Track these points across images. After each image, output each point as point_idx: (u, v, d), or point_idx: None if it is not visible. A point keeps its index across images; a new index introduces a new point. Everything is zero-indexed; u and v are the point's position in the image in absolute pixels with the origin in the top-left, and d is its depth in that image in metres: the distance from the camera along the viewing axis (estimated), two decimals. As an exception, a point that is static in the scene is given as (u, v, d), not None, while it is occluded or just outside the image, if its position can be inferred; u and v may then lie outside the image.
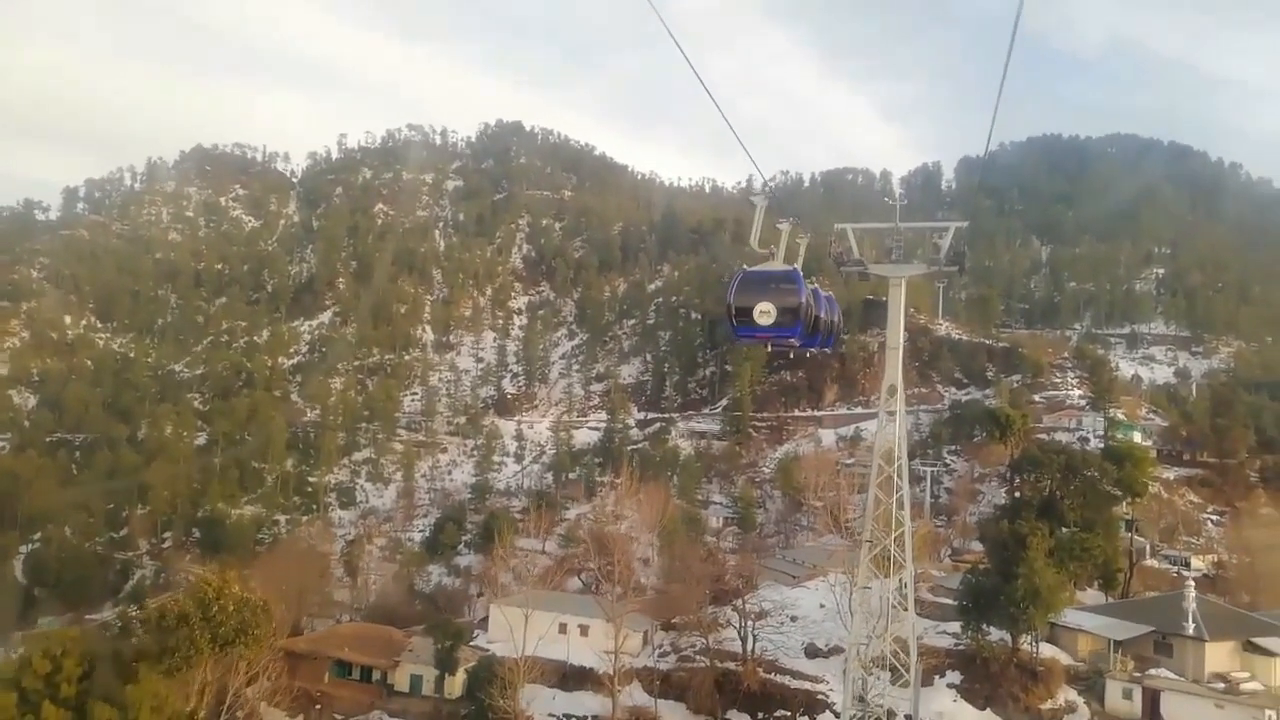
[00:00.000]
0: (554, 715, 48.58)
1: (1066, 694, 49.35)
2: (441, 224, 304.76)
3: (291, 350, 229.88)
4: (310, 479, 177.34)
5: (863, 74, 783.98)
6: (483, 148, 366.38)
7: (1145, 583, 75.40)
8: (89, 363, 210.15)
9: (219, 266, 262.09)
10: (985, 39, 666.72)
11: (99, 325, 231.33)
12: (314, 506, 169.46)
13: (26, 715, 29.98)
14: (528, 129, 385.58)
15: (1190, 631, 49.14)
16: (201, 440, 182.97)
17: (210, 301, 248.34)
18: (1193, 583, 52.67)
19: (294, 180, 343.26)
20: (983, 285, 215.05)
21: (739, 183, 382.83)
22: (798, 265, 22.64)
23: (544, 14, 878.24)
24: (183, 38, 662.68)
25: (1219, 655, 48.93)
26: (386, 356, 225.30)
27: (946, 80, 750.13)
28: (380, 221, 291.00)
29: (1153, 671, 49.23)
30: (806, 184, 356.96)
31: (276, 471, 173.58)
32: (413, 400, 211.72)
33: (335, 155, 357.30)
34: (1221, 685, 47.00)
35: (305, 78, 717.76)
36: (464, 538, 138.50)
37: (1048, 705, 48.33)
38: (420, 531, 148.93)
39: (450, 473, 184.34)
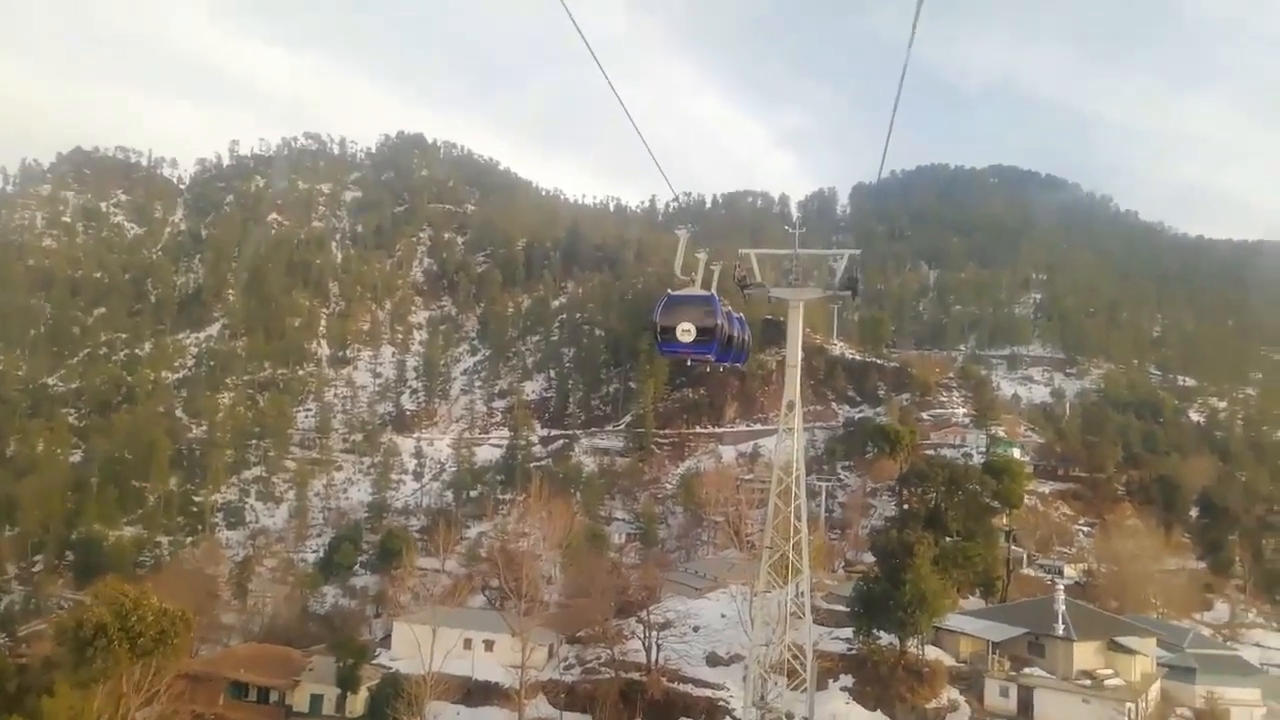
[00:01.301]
0: (458, 733, 48.37)
1: (950, 693, 52.48)
2: (339, 235, 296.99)
3: (176, 364, 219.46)
4: (196, 498, 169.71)
5: (762, 102, 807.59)
6: (383, 159, 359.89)
7: (1022, 590, 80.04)
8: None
9: (98, 275, 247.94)
10: (878, 72, 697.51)
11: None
12: (199, 527, 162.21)
13: None
14: (430, 141, 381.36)
15: (1060, 632, 52.97)
16: (77, 458, 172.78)
17: (88, 312, 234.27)
18: (1062, 587, 56.66)
19: (181, 187, 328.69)
20: (874, 307, 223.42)
21: (642, 202, 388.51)
22: (714, 290, 25.50)
23: (449, 31, 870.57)
24: (61, 37, 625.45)
25: (1086, 654, 52.88)
26: (279, 371, 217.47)
27: (841, 110, 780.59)
28: (274, 231, 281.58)
29: (1027, 670, 52.82)
30: (709, 205, 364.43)
31: (159, 490, 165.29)
32: (307, 416, 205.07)
33: (227, 162, 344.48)
34: (1088, 682, 50.81)
35: (195, 84, 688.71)
36: (360, 558, 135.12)
37: (933, 704, 51.30)
38: (314, 552, 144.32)
39: (346, 491, 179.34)
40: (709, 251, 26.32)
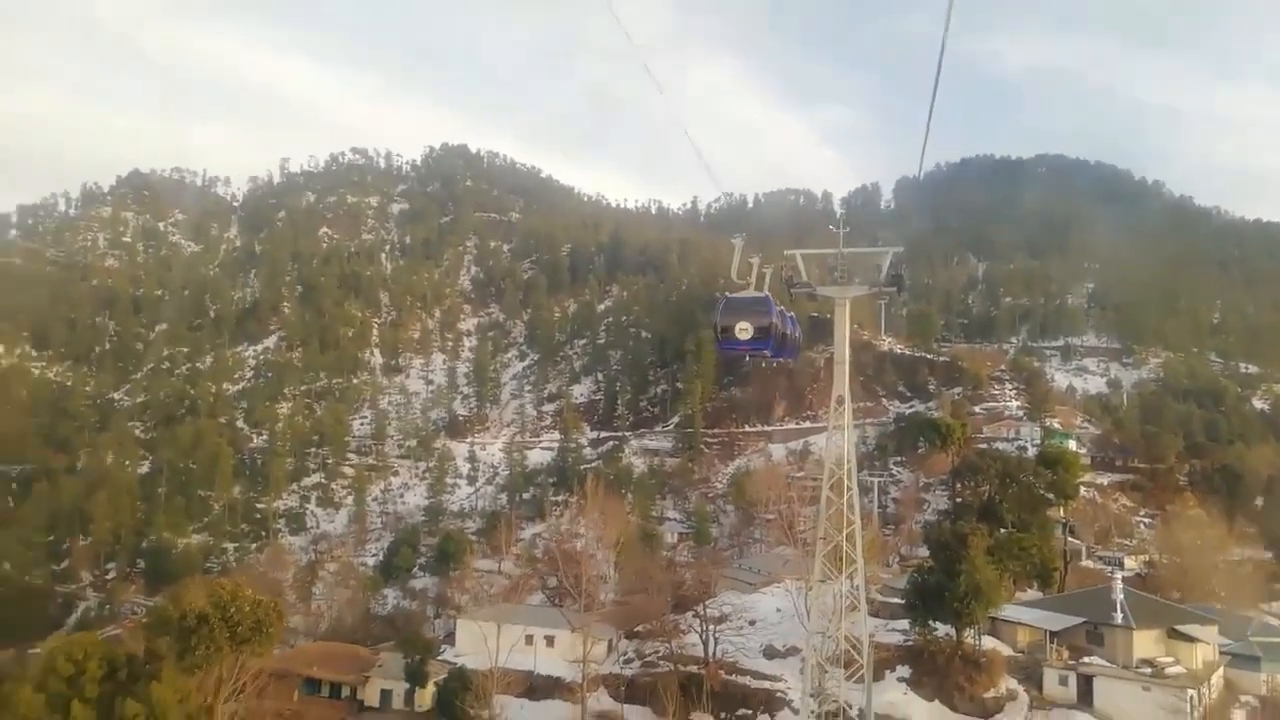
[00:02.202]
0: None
1: (1008, 683, 52.54)
2: (388, 247, 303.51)
3: (236, 376, 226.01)
4: (259, 505, 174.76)
5: (803, 99, 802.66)
6: (428, 171, 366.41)
7: (1081, 582, 78.92)
8: (24, 393, 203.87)
9: (158, 292, 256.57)
10: (919, 65, 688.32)
11: (34, 354, 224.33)
12: (263, 533, 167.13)
13: (54, 715, 31.54)
14: (474, 152, 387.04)
15: (1119, 621, 52.69)
16: (145, 469, 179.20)
17: (150, 328, 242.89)
18: (1119, 576, 56.29)
19: (235, 205, 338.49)
20: (922, 302, 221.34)
21: (684, 204, 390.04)
22: (767, 291, 28.22)
23: (488, 43, 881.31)
24: (119, 65, 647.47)
25: (1146, 642, 52.51)
26: (334, 380, 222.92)
27: (882, 105, 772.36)
28: (325, 245, 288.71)
29: (1086, 659, 52.62)
30: (750, 204, 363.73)
31: (223, 499, 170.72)
32: (362, 424, 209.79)
33: (277, 179, 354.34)
34: (1148, 670, 50.53)
35: (245, 104, 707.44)
36: (419, 560, 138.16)
37: (991, 694, 51.42)
38: (373, 556, 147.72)
39: (402, 496, 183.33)
40: (760, 255, 28.81)
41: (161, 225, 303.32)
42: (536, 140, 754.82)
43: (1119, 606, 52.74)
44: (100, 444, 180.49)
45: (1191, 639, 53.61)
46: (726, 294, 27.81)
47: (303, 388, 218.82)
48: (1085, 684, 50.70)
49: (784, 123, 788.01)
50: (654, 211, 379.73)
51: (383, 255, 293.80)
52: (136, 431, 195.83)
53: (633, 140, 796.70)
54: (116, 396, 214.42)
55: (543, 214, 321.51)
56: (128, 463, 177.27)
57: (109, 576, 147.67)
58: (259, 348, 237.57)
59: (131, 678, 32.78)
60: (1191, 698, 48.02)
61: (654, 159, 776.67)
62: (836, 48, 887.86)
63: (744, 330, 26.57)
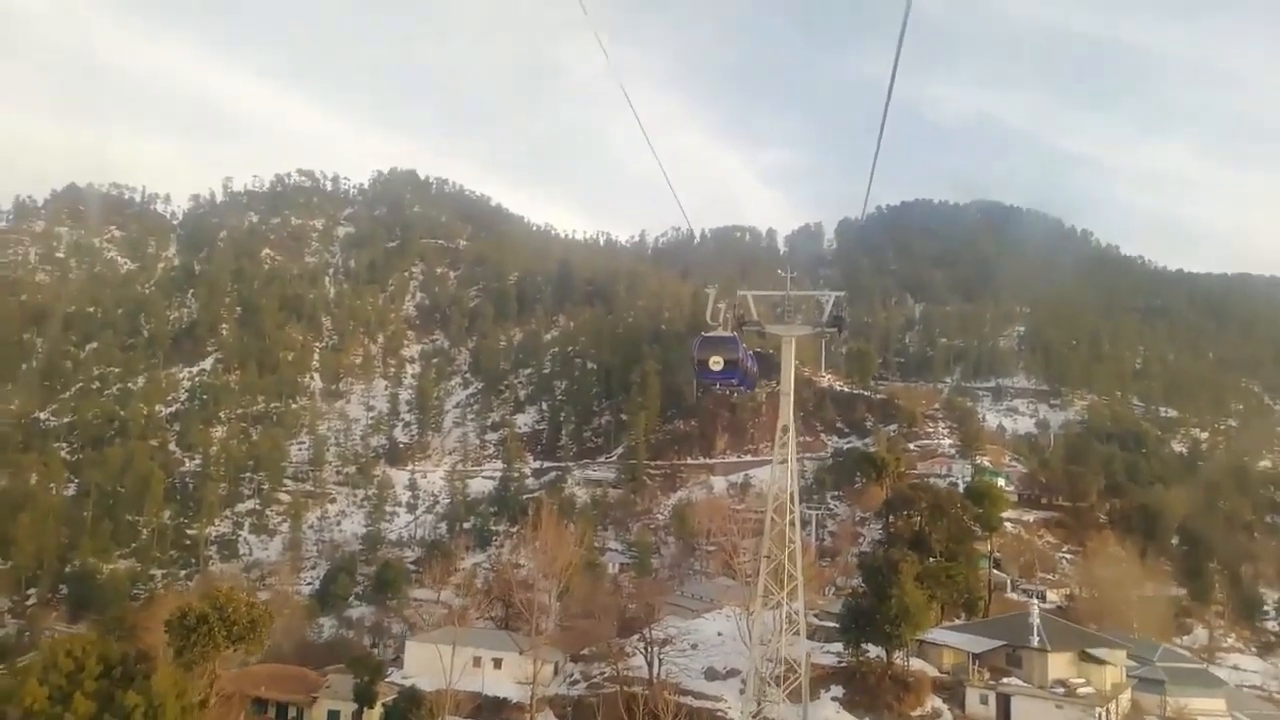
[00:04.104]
0: (471, 745, 50.93)
1: (933, 701, 55.76)
2: (332, 271, 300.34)
3: (169, 398, 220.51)
4: (189, 531, 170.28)
5: (748, 138, 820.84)
6: (375, 195, 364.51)
7: (1006, 613, 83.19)
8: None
9: (91, 310, 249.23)
10: (863, 108, 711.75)
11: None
12: (193, 560, 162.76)
13: (57, 706, 33.56)
14: (422, 178, 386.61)
15: (1036, 644, 56.36)
16: (70, 491, 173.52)
17: (81, 346, 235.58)
18: (1037, 603, 60.09)
19: (175, 223, 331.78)
20: (861, 340, 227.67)
21: (632, 236, 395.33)
22: (734, 332, 34.38)
23: (437, 69, 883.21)
24: (54, 76, 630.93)
25: (1060, 664, 56.24)
26: (272, 405, 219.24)
27: (826, 146, 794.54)
28: (267, 267, 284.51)
29: (1005, 680, 56.14)
30: (697, 239, 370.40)
31: (153, 524, 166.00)
32: (300, 450, 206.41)
33: (220, 198, 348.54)
34: (1061, 690, 54.14)
35: (188, 121, 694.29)
36: (355, 589, 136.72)
37: (918, 712, 54.53)
38: (308, 584, 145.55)
39: (339, 523, 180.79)
40: (727, 301, 34.84)
41: (97, 241, 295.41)
42: (485, 169, 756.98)
43: (1036, 630, 56.41)
44: (24, 465, 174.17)
45: (1102, 662, 57.48)
46: (702, 334, 33.09)
47: (239, 411, 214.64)
48: (1004, 703, 54.11)
49: (728, 161, 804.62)
50: (602, 243, 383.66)
51: (326, 279, 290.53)
52: (63, 453, 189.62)
53: (581, 172, 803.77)
54: (43, 416, 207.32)
55: (491, 242, 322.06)
56: (53, 485, 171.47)
57: (29, 602, 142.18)
58: (194, 369, 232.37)
59: (127, 675, 34.35)
60: (1100, 715, 51.64)
61: (603, 190, 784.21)
62: (779, 87, 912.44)
63: (716, 363, 31.80)
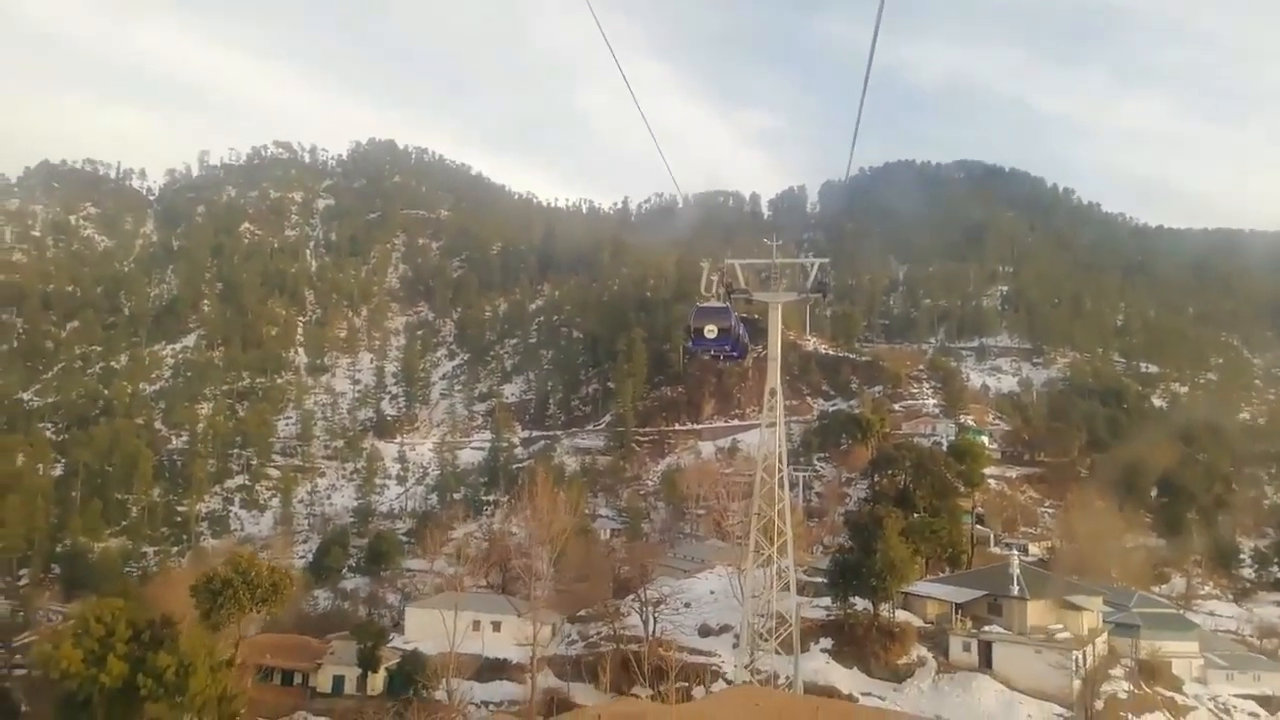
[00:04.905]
0: (475, 703, 52.35)
1: (918, 650, 57.93)
2: (312, 244, 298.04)
3: (153, 375, 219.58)
4: (179, 508, 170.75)
5: (731, 102, 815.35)
6: (354, 166, 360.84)
7: (989, 566, 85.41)
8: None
9: (70, 288, 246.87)
10: (845, 70, 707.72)
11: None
12: (185, 536, 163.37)
13: (91, 669, 35.84)
14: (401, 148, 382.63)
15: (1015, 593, 58.41)
16: (58, 471, 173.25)
17: (61, 325, 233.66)
18: (1017, 553, 62.09)
19: (151, 198, 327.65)
20: (846, 303, 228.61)
21: (615, 204, 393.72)
22: (727, 302, 36.18)
23: (414, 38, 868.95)
24: (25, 50, 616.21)
25: (1039, 612, 58.41)
26: (257, 380, 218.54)
27: (809, 108, 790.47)
28: (247, 241, 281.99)
29: (986, 628, 58.28)
30: (680, 205, 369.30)
31: (142, 502, 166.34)
32: (287, 425, 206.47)
33: (196, 172, 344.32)
34: (1040, 636, 56.26)
35: (162, 95, 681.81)
36: (349, 561, 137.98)
37: (903, 660, 56.69)
38: (301, 558, 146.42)
39: (330, 497, 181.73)
40: (709, 262, 36.75)
41: (73, 219, 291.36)
42: (464, 137, 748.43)
43: (1016, 580, 58.41)
44: (10, 445, 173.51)
45: (1079, 609, 59.66)
46: (698, 304, 35.62)
47: (224, 388, 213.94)
48: (986, 649, 56.27)
49: (710, 125, 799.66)
50: (585, 211, 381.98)
51: (307, 252, 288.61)
52: (48, 433, 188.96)
53: (562, 140, 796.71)
54: (26, 397, 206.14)
55: (473, 212, 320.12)
56: (40, 465, 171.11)
57: (22, 583, 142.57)
58: (177, 346, 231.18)
59: (155, 639, 36.02)
60: (1076, 658, 53.75)
61: (584, 158, 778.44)
62: (762, 50, 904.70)
63: (711, 331, 34.06)
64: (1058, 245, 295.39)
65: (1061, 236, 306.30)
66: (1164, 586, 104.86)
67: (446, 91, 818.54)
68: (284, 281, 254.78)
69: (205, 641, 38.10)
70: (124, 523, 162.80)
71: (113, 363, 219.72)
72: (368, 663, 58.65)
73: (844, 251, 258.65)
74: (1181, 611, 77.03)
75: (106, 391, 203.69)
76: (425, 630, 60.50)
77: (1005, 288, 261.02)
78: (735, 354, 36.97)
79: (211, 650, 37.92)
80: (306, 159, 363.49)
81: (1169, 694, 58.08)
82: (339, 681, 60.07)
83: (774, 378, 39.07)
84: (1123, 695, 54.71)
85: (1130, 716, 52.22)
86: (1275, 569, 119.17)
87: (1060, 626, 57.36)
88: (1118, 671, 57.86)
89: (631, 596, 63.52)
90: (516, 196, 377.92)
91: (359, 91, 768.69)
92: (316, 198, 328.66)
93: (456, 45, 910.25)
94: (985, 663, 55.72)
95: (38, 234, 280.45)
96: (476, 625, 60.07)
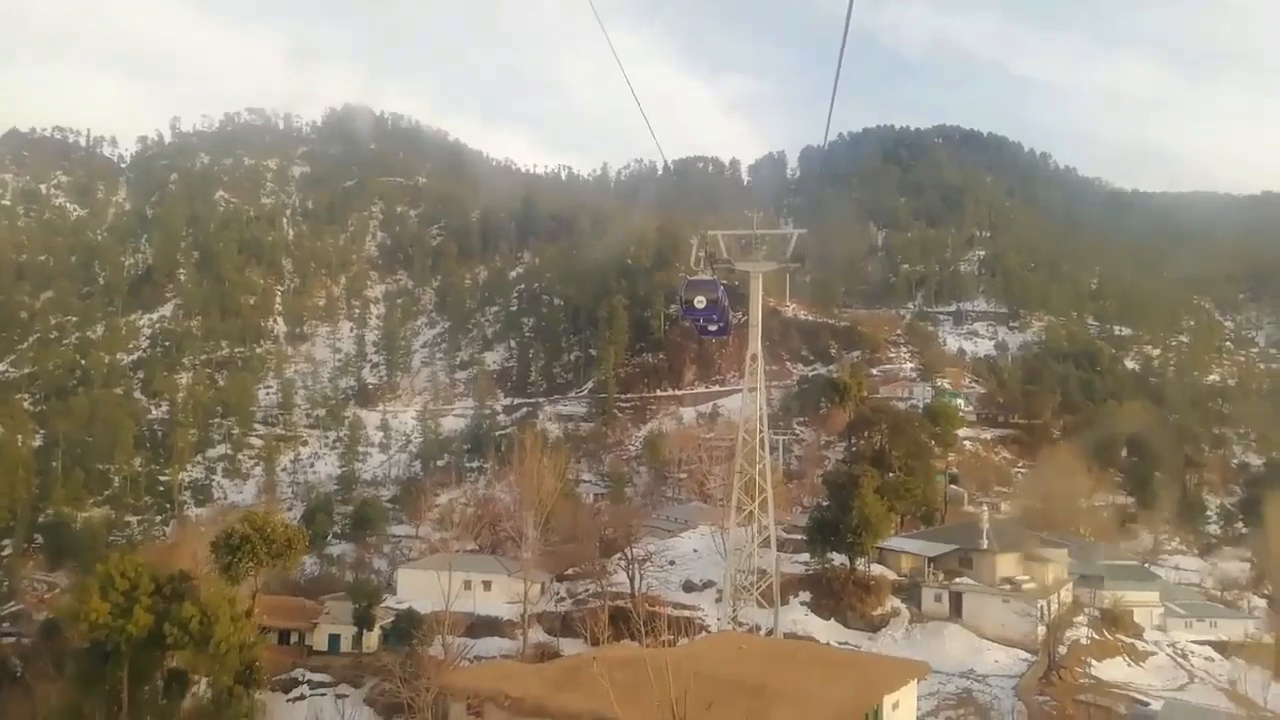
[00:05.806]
0: (468, 659, 54.29)
1: (893, 602, 60.72)
2: (289, 211, 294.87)
3: (130, 345, 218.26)
4: (162, 478, 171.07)
5: (710, 67, 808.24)
6: (330, 133, 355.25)
7: (961, 523, 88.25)
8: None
9: (43, 258, 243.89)
10: (823, 35, 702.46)
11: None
12: (168, 505, 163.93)
13: (119, 620, 37.96)
14: (378, 114, 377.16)
15: (985, 546, 61.05)
16: (38, 442, 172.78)
17: (35, 296, 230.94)
18: (987, 508, 64.70)
19: (123, 166, 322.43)
20: (824, 269, 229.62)
21: (594, 170, 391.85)
22: (714, 275, 38.87)
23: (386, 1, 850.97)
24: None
25: (1007, 564, 61.17)
26: (236, 350, 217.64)
27: (788, 73, 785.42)
28: (222, 209, 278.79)
29: (957, 580, 60.99)
30: (660, 171, 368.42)
31: (124, 471, 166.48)
32: (268, 394, 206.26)
33: (169, 139, 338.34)
34: (1008, 587, 59.00)
35: (131, 61, 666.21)
36: (333, 529, 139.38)
37: (878, 612, 59.41)
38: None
39: (313, 465, 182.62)
40: (699, 238, 39.66)
41: (43, 188, 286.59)
42: (441, 104, 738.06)
43: (985, 534, 61.01)
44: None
45: (1045, 561, 62.49)
46: (688, 277, 38.47)
47: (203, 357, 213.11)
48: (956, 600, 59.03)
49: (690, 91, 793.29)
50: (564, 177, 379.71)
51: (284, 220, 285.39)
52: (25, 404, 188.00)
53: (540, 105, 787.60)
54: (1, 368, 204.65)
55: (451, 179, 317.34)
56: (19, 436, 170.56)
57: (5, 553, 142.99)
58: (154, 316, 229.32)
59: (176, 593, 37.96)
60: (1041, 607, 56.54)
61: (561, 124, 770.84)
62: (740, 18, 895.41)
63: (700, 302, 36.42)
64: (1034, 209, 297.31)
65: (1039, 201, 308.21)
66: (1132, 542, 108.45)
67: (423, 57, 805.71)
68: (261, 250, 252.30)
69: (226, 593, 39.89)
70: (106, 492, 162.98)
71: (89, 333, 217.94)
72: (363, 621, 60.60)
73: (824, 217, 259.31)
74: (1146, 565, 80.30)
75: (84, 362, 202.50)
76: (417, 590, 62.34)
77: (983, 252, 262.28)
78: (722, 330, 39.21)
79: (232, 601, 39.74)
80: (281, 125, 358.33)
81: (1129, 640, 61.11)
82: (334, 640, 62.05)
83: (755, 343, 41.20)
84: (1085, 641, 57.60)
85: (1092, 660, 55.06)
86: (1240, 525, 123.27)
87: (1027, 578, 60.11)
88: (1081, 619, 60.77)
89: (618, 555, 65.69)
90: (495, 163, 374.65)
91: (333, 57, 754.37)
92: (292, 165, 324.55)
93: (432, 9, 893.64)
94: (956, 612, 58.48)
95: (8, 203, 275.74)
96: (468, 584, 61.81)
